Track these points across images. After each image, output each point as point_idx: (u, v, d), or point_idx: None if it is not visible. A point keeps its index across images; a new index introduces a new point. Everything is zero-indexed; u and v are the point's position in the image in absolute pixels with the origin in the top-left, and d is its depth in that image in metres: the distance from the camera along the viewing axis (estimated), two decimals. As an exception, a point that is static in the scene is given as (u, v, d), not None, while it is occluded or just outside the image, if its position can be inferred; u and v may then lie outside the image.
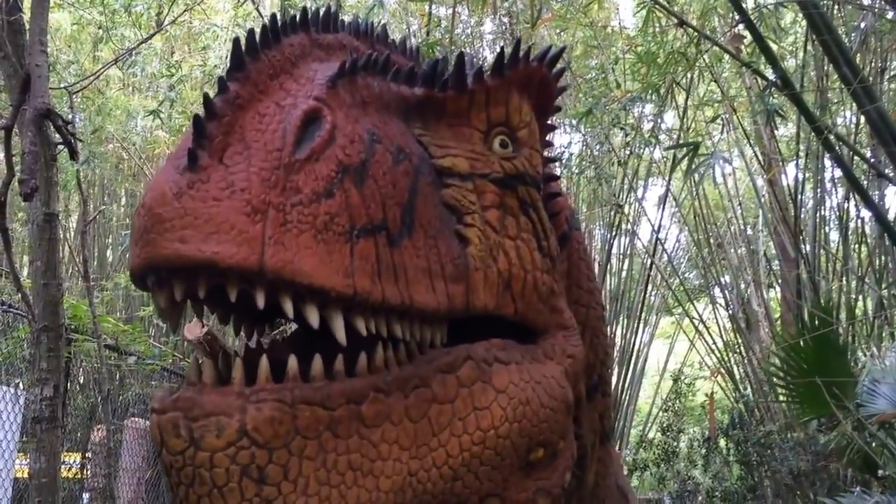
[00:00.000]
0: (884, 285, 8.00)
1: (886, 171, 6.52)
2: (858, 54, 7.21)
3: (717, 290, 11.67)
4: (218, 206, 1.13)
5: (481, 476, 1.40)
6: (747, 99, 10.00)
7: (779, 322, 10.93)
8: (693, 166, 5.32)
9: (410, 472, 1.29)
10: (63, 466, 5.83)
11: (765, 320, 10.86)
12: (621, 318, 11.26)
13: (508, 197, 1.58)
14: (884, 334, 8.22)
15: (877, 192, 7.79)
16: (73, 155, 3.56)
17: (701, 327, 11.12)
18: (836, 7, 7.08)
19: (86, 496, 8.07)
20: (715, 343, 10.89)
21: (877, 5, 7.23)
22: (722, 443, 10.01)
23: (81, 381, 9.32)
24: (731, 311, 10.65)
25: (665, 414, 11.36)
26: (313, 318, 1.20)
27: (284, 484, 1.16)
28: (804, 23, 6.84)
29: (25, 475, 5.39)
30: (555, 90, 1.77)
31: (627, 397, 11.42)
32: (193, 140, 1.17)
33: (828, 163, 8.43)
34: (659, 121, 10.58)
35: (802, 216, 8.86)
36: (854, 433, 5.26)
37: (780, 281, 10.93)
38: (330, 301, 1.21)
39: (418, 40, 9.02)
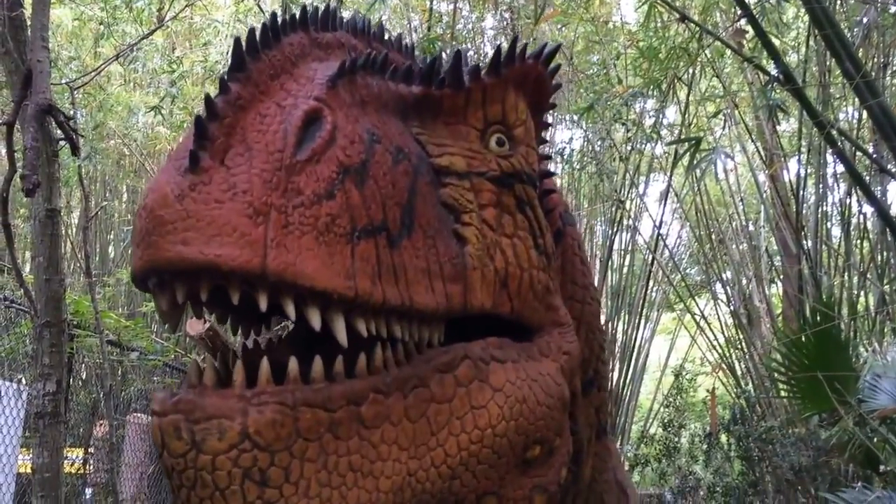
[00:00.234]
0: (886, 281, 8.00)
1: (889, 166, 6.52)
2: (861, 49, 7.20)
3: (718, 286, 11.67)
4: (220, 209, 1.13)
5: (479, 475, 1.40)
6: (749, 94, 9.99)
7: (780, 318, 10.93)
8: (695, 162, 5.31)
9: (409, 472, 1.29)
10: (66, 462, 5.83)
11: (766, 316, 10.86)
12: (622, 314, 11.26)
13: (505, 195, 1.59)
14: (886, 330, 8.22)
15: (879, 188, 7.78)
16: (75, 150, 3.56)
17: (702, 323, 11.11)
18: (839, 2, 7.08)
19: (88, 491, 8.09)
20: (716, 339, 10.90)
21: (879, 0, 7.22)
22: (723, 438, 10.02)
23: (84, 377, 9.33)
24: (732, 307, 10.65)
25: (666, 410, 11.37)
26: (315, 320, 1.20)
27: (286, 486, 1.16)
28: (806, 18, 6.83)
29: (28, 470, 5.39)
30: (550, 87, 1.77)
31: (629, 393, 11.41)
32: (195, 141, 1.16)
33: (830, 158, 8.42)
34: (660, 116, 10.57)
35: (804, 212, 8.85)
36: (856, 428, 5.26)
37: (781, 277, 10.94)
38: (331, 303, 1.21)
39: (419, 36, 9.01)
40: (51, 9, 3.50)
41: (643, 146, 10.64)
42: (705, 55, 7.66)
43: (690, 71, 8.12)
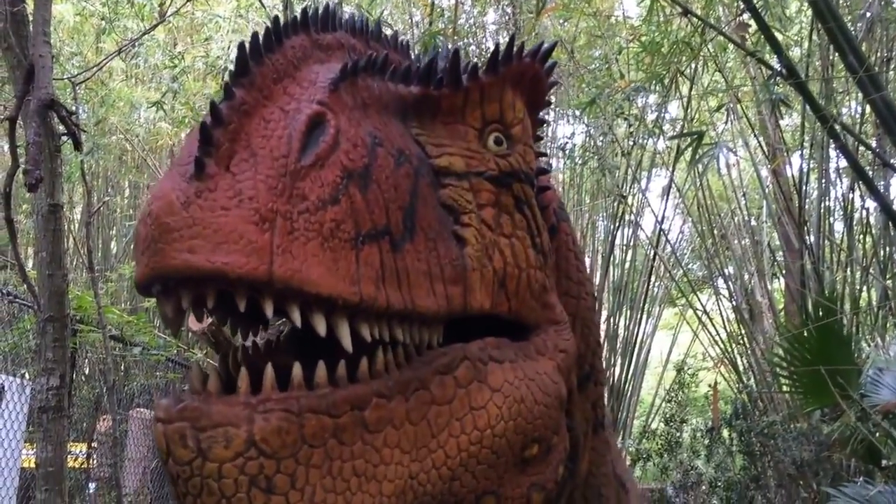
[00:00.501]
0: (888, 276, 8.00)
1: (892, 160, 6.51)
2: (864, 43, 7.18)
3: (720, 281, 11.67)
4: (226, 216, 1.13)
5: (478, 475, 1.41)
6: (752, 89, 9.97)
7: (782, 313, 10.93)
8: (697, 157, 5.31)
9: (411, 474, 1.29)
10: (69, 456, 5.85)
11: (768, 311, 10.86)
12: (624, 310, 11.27)
13: (503, 194, 1.59)
14: (888, 325, 8.23)
15: (882, 182, 7.78)
16: (78, 145, 3.56)
17: (704, 318, 11.12)
18: (842, -4, 7.06)
19: (92, 485, 8.11)
20: (718, 334, 10.90)
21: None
22: (725, 433, 10.04)
23: (87, 372, 9.37)
24: (734, 302, 10.65)
25: (668, 404, 11.39)
26: (321, 326, 1.20)
27: (292, 493, 1.16)
28: (809, 12, 6.82)
29: (32, 465, 5.42)
30: (546, 85, 1.77)
31: (630, 388, 11.42)
32: (200, 148, 1.16)
33: (832, 153, 8.42)
34: (663, 111, 10.56)
35: (807, 206, 8.85)
36: (858, 423, 5.27)
37: (783, 272, 10.94)
38: (336, 308, 1.21)
39: (421, 30, 9.01)
40: (52, 4, 3.49)
41: (645, 141, 10.63)
42: (708, 49, 7.65)
43: (693, 65, 8.10)
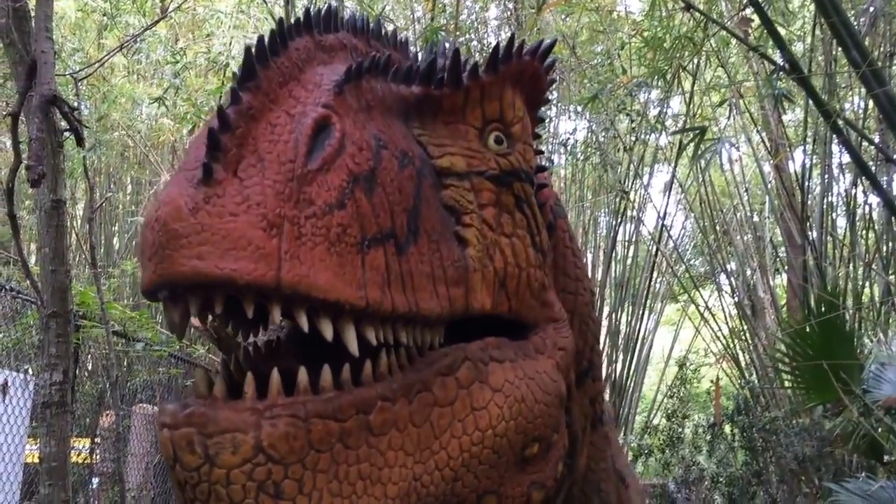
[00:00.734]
0: (891, 271, 7.99)
1: (895, 156, 6.50)
2: (867, 37, 7.17)
3: (722, 277, 11.67)
4: (235, 222, 1.12)
5: (480, 475, 1.41)
6: (754, 84, 9.96)
7: (784, 309, 10.92)
8: (700, 151, 5.30)
9: (415, 476, 1.30)
10: (73, 451, 5.86)
11: (771, 307, 10.86)
12: (626, 306, 11.27)
13: (504, 194, 1.59)
14: (890, 320, 8.22)
15: (885, 178, 7.77)
16: (80, 141, 3.56)
17: (706, 314, 11.12)
18: (845, -10, 7.04)
19: (95, 480, 8.14)
20: (720, 330, 10.90)
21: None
22: (727, 429, 10.04)
23: (90, 368, 9.39)
24: (736, 298, 10.65)
25: (670, 400, 11.40)
26: (328, 331, 1.20)
27: (300, 498, 1.17)
28: (812, 6, 6.81)
29: (35, 460, 5.42)
30: (545, 83, 1.77)
31: (632, 384, 11.42)
32: (208, 153, 1.15)
33: (835, 148, 8.41)
34: (665, 106, 10.55)
35: (809, 202, 8.84)
36: (860, 418, 5.27)
37: (786, 267, 10.93)
38: (343, 313, 1.21)
39: (423, 26, 9.00)
40: (54, 0, 3.49)
41: (647, 137, 10.62)
42: (710, 44, 7.64)
43: (695, 60, 8.10)
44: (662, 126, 10.14)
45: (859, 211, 8.65)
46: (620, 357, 11.23)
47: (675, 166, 10.43)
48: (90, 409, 8.53)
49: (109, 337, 6.39)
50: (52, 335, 3.52)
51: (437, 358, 1.40)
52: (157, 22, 8.69)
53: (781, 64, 5.52)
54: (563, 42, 10.01)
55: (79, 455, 7.72)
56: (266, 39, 1.31)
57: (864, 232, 8.78)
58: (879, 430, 5.44)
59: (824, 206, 8.63)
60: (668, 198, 10.99)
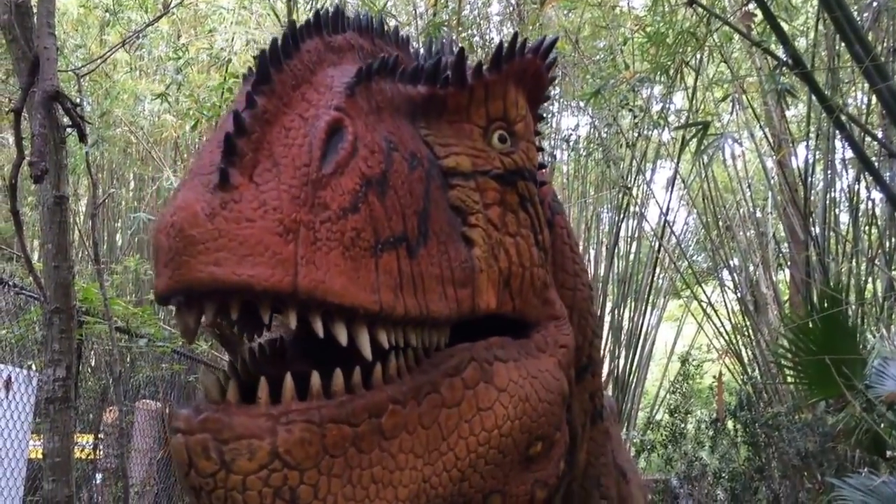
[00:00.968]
0: (894, 267, 7.98)
1: (898, 151, 6.48)
2: (871, 32, 7.15)
3: (725, 273, 11.64)
4: (251, 227, 1.12)
5: (486, 475, 1.42)
6: (757, 79, 9.93)
7: (787, 304, 10.91)
8: (702, 147, 5.30)
9: (424, 478, 1.30)
10: (76, 447, 5.88)
11: (773, 303, 10.84)
12: (629, 301, 11.26)
13: (508, 193, 1.59)
14: (893, 316, 8.21)
15: (888, 173, 7.75)
16: (83, 137, 3.57)
17: (709, 310, 11.10)
18: (848, -15, 7.01)
19: (98, 476, 8.15)
20: (723, 325, 10.89)
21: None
22: (730, 424, 10.03)
23: (93, 364, 9.40)
24: (739, 294, 10.64)
25: (673, 396, 11.37)
26: (343, 336, 1.21)
27: (315, 503, 1.17)
28: (815, 1, 6.79)
29: (39, 456, 5.44)
30: (547, 81, 1.77)
31: (635, 380, 11.42)
32: (224, 158, 1.15)
33: (838, 144, 8.39)
34: (668, 102, 10.53)
35: (812, 198, 8.82)
36: (863, 414, 5.27)
37: (789, 263, 10.91)
38: (356, 317, 1.22)
39: (425, 21, 8.99)
40: (57, -5, 3.49)
41: (650, 132, 10.60)
42: (713, 40, 7.63)
43: (698, 56, 8.08)
44: (665, 122, 10.12)
45: (862, 206, 8.63)
46: (623, 353, 11.23)
47: (678, 162, 10.41)
48: (93, 405, 8.53)
49: (112, 333, 6.41)
50: (55, 331, 3.53)
51: (443, 359, 1.40)
52: (159, 18, 8.69)
53: (784, 59, 5.51)
54: (565, 37, 9.99)
55: (82, 451, 7.73)
56: (279, 42, 1.31)
57: (867, 227, 8.77)
58: (882, 425, 5.44)
59: (827, 202, 8.62)
60: (671, 193, 10.97)
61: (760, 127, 10.62)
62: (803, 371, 5.93)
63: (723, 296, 11.43)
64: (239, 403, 1.20)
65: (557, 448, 1.61)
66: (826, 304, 5.59)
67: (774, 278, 11.22)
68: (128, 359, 9.45)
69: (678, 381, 11.46)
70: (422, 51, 1.88)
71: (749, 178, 12.33)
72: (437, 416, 1.34)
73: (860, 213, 8.54)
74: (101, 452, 8.00)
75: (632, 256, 11.50)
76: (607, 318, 11.26)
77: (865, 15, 7.25)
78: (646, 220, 11.66)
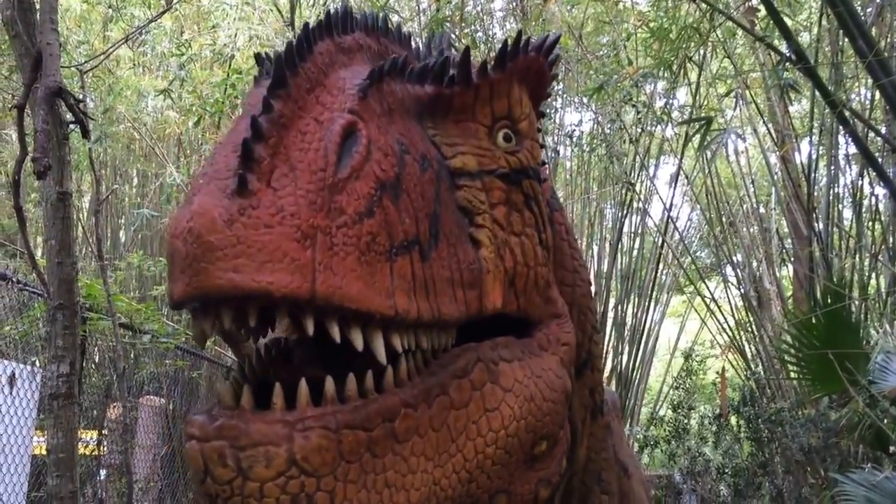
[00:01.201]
0: (897, 262, 7.96)
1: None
2: (874, 27, 7.13)
3: (728, 269, 11.64)
4: (270, 234, 1.12)
5: (492, 475, 1.42)
6: (761, 75, 9.92)
7: (791, 300, 10.90)
8: (706, 142, 5.29)
9: (434, 480, 1.30)
10: (80, 443, 5.89)
11: (777, 298, 10.83)
12: (632, 297, 11.25)
13: (514, 192, 1.59)
14: (897, 311, 8.19)
15: (892, 169, 7.73)
16: (85, 133, 3.57)
17: (712, 306, 11.10)
18: (852, -20, 6.99)
19: (102, 472, 8.17)
20: (726, 321, 10.88)
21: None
22: (733, 420, 10.03)
23: (97, 360, 9.42)
24: (742, 290, 10.63)
25: (676, 391, 11.37)
26: (359, 341, 1.21)
27: None
28: (819, -3, 6.76)
29: (43, 452, 5.46)
30: (549, 78, 1.78)
31: (638, 376, 11.42)
32: (242, 163, 1.15)
33: (842, 139, 8.38)
34: (671, 98, 10.51)
35: (816, 193, 8.81)
36: (866, 409, 5.26)
37: (792, 259, 10.90)
38: (372, 321, 1.22)
39: (428, 17, 8.98)
40: (60, -8, 3.49)
41: (653, 128, 10.59)
42: (716, 35, 7.62)
43: (701, 51, 8.06)
44: (668, 117, 10.10)
45: (866, 202, 8.63)
46: (626, 349, 11.22)
47: (682, 158, 10.40)
48: (97, 401, 8.55)
49: (116, 329, 6.42)
50: (58, 327, 3.54)
51: (450, 360, 1.40)
52: (162, 14, 8.68)
53: (788, 54, 5.50)
54: (568, 33, 9.98)
55: (86, 447, 7.75)
56: (294, 45, 1.30)
57: (870, 223, 8.75)
58: (885, 420, 5.44)
59: (830, 198, 8.60)
60: (674, 189, 10.97)
61: (764, 122, 10.61)
62: (806, 367, 5.92)
63: (726, 291, 11.43)
64: (254, 410, 1.20)
65: (560, 446, 1.61)
66: (829, 300, 5.59)
67: (778, 274, 11.20)
68: (131, 355, 9.47)
69: (681, 376, 11.46)
70: (422, 48, 1.88)
71: (752, 174, 12.32)
72: (447, 418, 1.34)
73: (863, 209, 8.53)
74: (105, 448, 8.02)
75: (635, 252, 11.50)
76: (610, 315, 11.26)
77: (869, 10, 7.23)
78: (649, 216, 11.67)
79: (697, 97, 9.58)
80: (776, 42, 6.47)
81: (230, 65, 9.50)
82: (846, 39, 5.61)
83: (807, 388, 6.61)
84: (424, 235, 1.31)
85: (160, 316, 8.29)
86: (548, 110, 9.65)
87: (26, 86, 3.38)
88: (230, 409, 1.20)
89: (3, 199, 12.83)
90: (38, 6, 3.52)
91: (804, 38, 9.35)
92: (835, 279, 6.75)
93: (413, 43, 1.86)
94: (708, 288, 11.88)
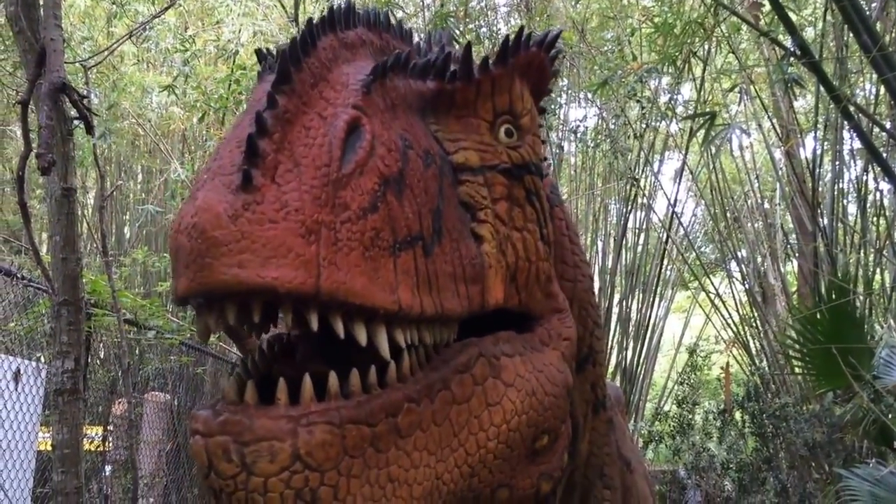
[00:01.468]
0: (902, 257, 7.95)
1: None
2: (879, 22, 7.11)
3: (733, 264, 11.63)
4: (275, 229, 1.12)
5: (494, 469, 1.43)
6: (765, 70, 9.89)
7: (795, 295, 10.89)
8: (710, 137, 5.28)
9: (437, 475, 1.31)
10: (85, 439, 5.90)
11: (781, 294, 10.82)
12: (637, 293, 11.25)
13: (516, 188, 1.60)
14: (901, 306, 8.18)
15: (896, 164, 7.71)
16: (90, 129, 3.58)
17: (717, 301, 11.09)
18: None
19: (108, 468, 8.19)
20: (731, 317, 10.87)
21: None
22: (737, 415, 10.03)
23: (102, 356, 9.44)
24: (747, 285, 10.62)
25: (680, 387, 11.37)
26: (362, 336, 1.21)
27: None
28: (823, -9, 6.74)
29: (48, 448, 5.47)
30: (550, 74, 1.78)
31: (643, 371, 11.42)
32: (247, 158, 1.15)
33: (846, 135, 8.36)
34: (675, 93, 10.49)
35: (820, 189, 8.79)
36: (870, 404, 5.26)
37: (796, 254, 10.89)
38: (375, 317, 1.22)
39: (432, 12, 8.97)
40: (63, -12, 3.49)
41: (658, 123, 10.57)
42: (721, 30, 7.60)
43: (706, 46, 8.06)
44: (673, 113, 10.09)
45: (870, 197, 8.60)
46: (631, 344, 11.22)
47: (686, 153, 10.39)
48: (102, 396, 8.57)
49: (121, 325, 6.43)
50: (63, 323, 3.55)
51: (452, 355, 1.41)
52: (166, 9, 8.68)
53: (792, 49, 5.48)
54: (573, 28, 9.96)
55: (91, 443, 7.76)
56: (298, 40, 1.31)
57: (875, 218, 8.74)
58: (889, 415, 5.44)
59: (835, 193, 8.59)
60: (679, 185, 10.97)
61: (768, 117, 10.58)
62: (811, 362, 5.92)
63: (731, 287, 11.43)
64: (258, 405, 1.20)
65: (562, 440, 1.62)
66: (834, 295, 5.58)
67: (782, 269, 11.19)
68: (136, 351, 9.50)
69: (686, 372, 11.45)
70: (422, 44, 1.88)
71: (757, 169, 12.30)
72: (449, 413, 1.34)
73: (868, 204, 8.51)
74: (110, 444, 8.03)
75: (640, 248, 11.50)
76: (615, 310, 11.26)
77: (874, 5, 7.20)
78: (654, 212, 11.66)
79: (702, 92, 9.56)
80: (781, 37, 6.45)
81: (234, 61, 9.50)
82: (851, 34, 5.59)
83: (811, 383, 6.60)
84: (427, 231, 1.31)
85: (165, 312, 8.30)
86: (552, 106, 9.64)
87: (30, 81, 3.38)
88: (234, 405, 1.20)
89: (7, 195, 12.87)
90: (41, 2, 3.52)
91: (809, 33, 9.31)
92: (839, 274, 6.75)
93: (415, 38, 1.86)
94: (712, 283, 11.87)
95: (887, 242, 8.32)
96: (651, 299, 11.24)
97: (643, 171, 10.76)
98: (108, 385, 8.70)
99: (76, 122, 3.58)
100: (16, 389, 5.96)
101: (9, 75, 9.71)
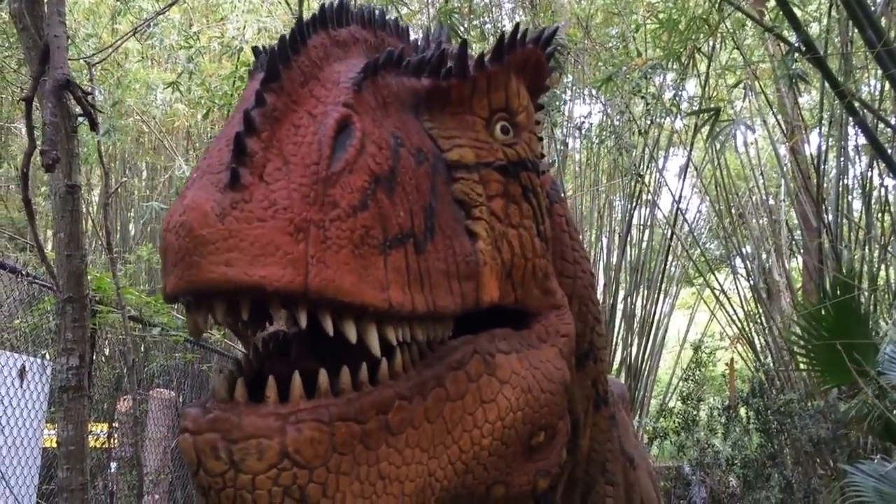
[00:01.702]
0: (907, 253, 7.93)
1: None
2: (883, 17, 7.08)
3: (738, 260, 11.61)
4: (263, 227, 1.12)
5: (489, 466, 1.42)
6: (770, 66, 9.87)
7: (800, 291, 10.87)
8: (715, 132, 5.27)
9: (430, 472, 1.31)
10: (90, 436, 5.91)
11: (786, 290, 10.81)
12: (641, 289, 11.24)
13: (511, 184, 1.59)
14: (906, 302, 8.16)
15: (901, 160, 7.68)
16: (94, 126, 3.58)
17: (721, 297, 11.08)
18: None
19: (113, 465, 8.22)
20: (735, 313, 10.86)
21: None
22: (742, 411, 10.02)
23: (107, 353, 9.46)
24: (751, 281, 10.60)
25: (685, 383, 11.37)
26: (352, 334, 1.21)
27: (323, 501, 1.17)
28: (828, -14, 6.72)
29: (53, 445, 5.49)
30: (546, 71, 1.77)
31: (647, 368, 11.42)
32: (235, 157, 1.15)
33: (851, 130, 8.33)
34: (680, 89, 10.47)
35: (825, 185, 8.77)
36: (875, 400, 5.25)
37: (801, 250, 10.87)
38: (365, 315, 1.22)
39: (436, 8, 8.95)
40: (67, -15, 3.50)
41: (662, 120, 10.56)
42: (725, 26, 7.58)
43: (710, 42, 8.03)
44: (677, 109, 10.07)
45: (875, 193, 8.58)
46: (636, 341, 11.22)
47: (691, 149, 10.36)
48: (107, 393, 8.59)
49: (126, 322, 6.45)
50: (68, 320, 3.56)
51: (447, 352, 1.40)
52: (171, 6, 8.69)
53: (797, 45, 5.47)
54: (577, 24, 9.95)
55: (96, 440, 7.79)
56: (287, 38, 1.31)
57: (879, 214, 8.71)
58: (894, 411, 5.42)
59: (840, 189, 8.56)
60: (684, 181, 10.93)
61: (773, 113, 10.55)
62: (816, 358, 5.91)
63: (735, 283, 11.41)
64: (247, 402, 1.20)
65: (560, 437, 1.61)
66: (839, 291, 5.57)
67: (787, 265, 11.17)
68: (141, 348, 9.52)
69: (691, 368, 11.45)
70: (420, 41, 1.88)
71: (762, 166, 12.27)
72: (442, 410, 1.34)
73: (873, 200, 8.49)
74: (116, 441, 8.06)
75: (644, 244, 11.48)
76: (620, 307, 11.25)
77: (878, 0, 7.17)
78: (658, 208, 11.64)
79: (706, 88, 9.54)
80: (785, 32, 6.43)
81: (239, 57, 9.51)
82: (855, 30, 5.57)
83: (816, 379, 6.60)
84: (419, 228, 1.31)
85: (170, 309, 8.31)
86: (556, 102, 9.63)
87: (34, 78, 3.39)
88: (224, 402, 1.20)
89: (12, 192, 12.90)
90: None
91: (813, 29, 9.29)
92: (844, 270, 6.73)
93: (412, 35, 1.86)
94: (717, 279, 11.86)
95: (892, 238, 8.31)
96: (656, 296, 11.23)
97: (648, 167, 10.74)
98: (113, 382, 8.73)
99: (80, 118, 3.59)
100: (21, 386, 5.98)
101: (13, 72, 9.73)
